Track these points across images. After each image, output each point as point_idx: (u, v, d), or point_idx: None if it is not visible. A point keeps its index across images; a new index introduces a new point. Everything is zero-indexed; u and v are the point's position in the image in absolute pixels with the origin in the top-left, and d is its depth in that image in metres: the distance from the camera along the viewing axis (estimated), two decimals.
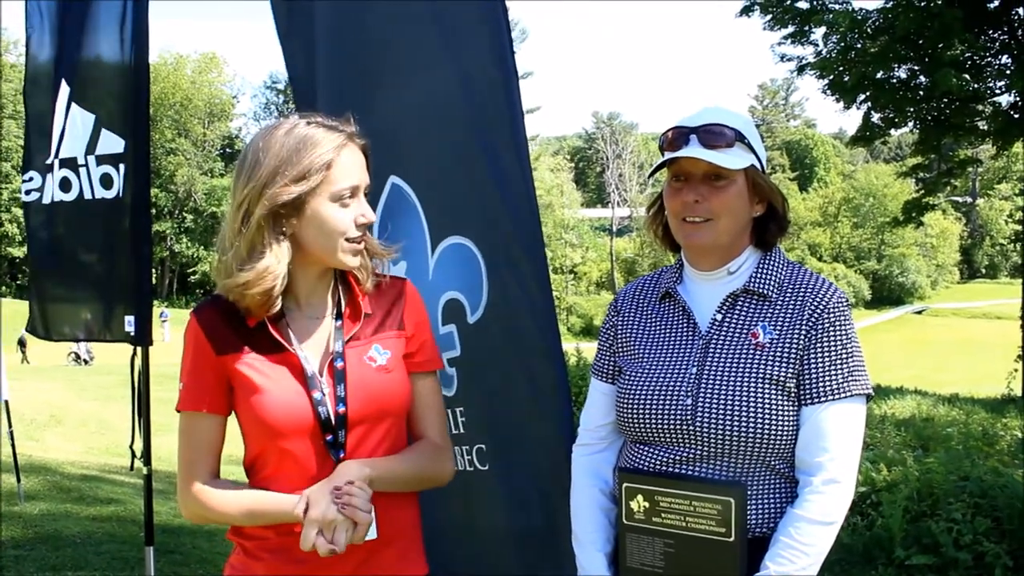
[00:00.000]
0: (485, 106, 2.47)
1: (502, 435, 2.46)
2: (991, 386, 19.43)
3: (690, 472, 1.89)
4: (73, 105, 4.15)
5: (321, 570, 1.82)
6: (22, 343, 25.91)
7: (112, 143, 4.02)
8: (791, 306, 1.91)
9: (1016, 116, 17.57)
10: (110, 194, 4.03)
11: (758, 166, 1.96)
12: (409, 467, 1.92)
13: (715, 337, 1.94)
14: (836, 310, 1.89)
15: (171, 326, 34.07)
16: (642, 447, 1.98)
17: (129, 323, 3.93)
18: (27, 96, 4.65)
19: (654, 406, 1.93)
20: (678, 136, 1.94)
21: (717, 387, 1.88)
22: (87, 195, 4.14)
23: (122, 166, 3.97)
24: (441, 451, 2.02)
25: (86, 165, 4.10)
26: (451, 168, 2.53)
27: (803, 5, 18.96)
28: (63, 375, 18.18)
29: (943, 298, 70.71)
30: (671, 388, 1.93)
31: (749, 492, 1.85)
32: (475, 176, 2.50)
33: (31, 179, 4.43)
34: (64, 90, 4.19)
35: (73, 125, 4.15)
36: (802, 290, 1.92)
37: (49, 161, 4.27)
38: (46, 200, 4.34)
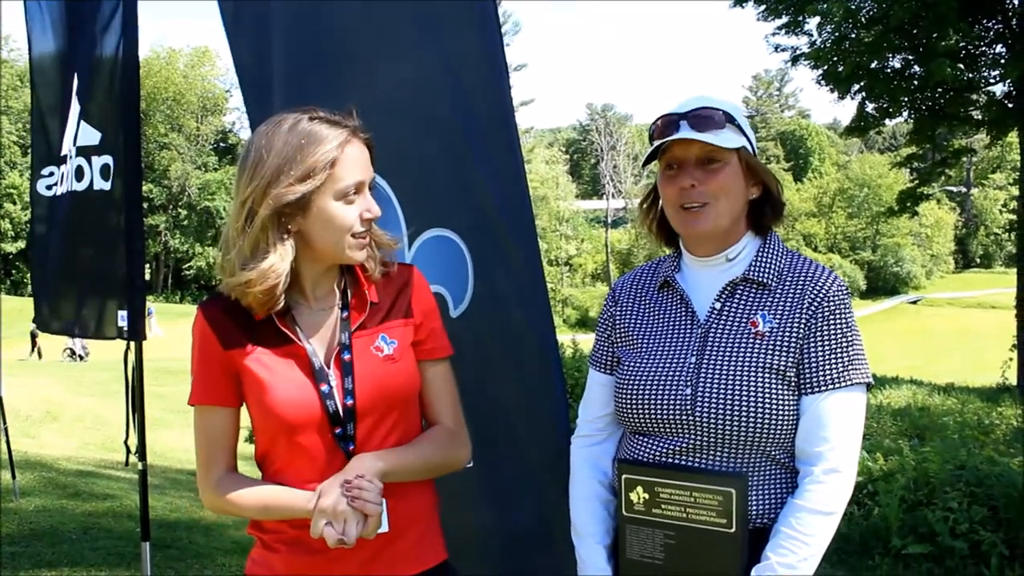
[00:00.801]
0: (472, 97, 2.44)
1: (489, 431, 2.42)
2: (986, 375, 19.47)
3: (690, 463, 1.88)
4: (76, 99, 4.15)
5: (336, 561, 1.84)
6: (34, 336, 25.91)
7: (88, 136, 4.02)
8: (791, 294, 1.90)
9: (1010, 105, 17.57)
10: (81, 186, 4.04)
11: (749, 149, 1.96)
12: (421, 456, 1.92)
13: (714, 325, 1.93)
14: (836, 299, 1.88)
15: (157, 320, 33.92)
16: (641, 438, 1.97)
17: (122, 318, 3.92)
18: (34, 91, 4.63)
19: (653, 395, 1.92)
20: (668, 124, 1.93)
21: (717, 376, 1.87)
22: (64, 188, 4.15)
23: (95, 159, 3.97)
24: (455, 436, 2.01)
25: (71, 157, 4.10)
26: (433, 160, 2.49)
27: None
28: (59, 371, 18.15)
29: (938, 288, 70.80)
30: (670, 377, 1.92)
31: (749, 483, 1.84)
32: (461, 168, 2.47)
33: (51, 174, 4.42)
34: (76, 85, 4.20)
35: (72, 119, 4.16)
36: (802, 278, 1.92)
37: (63, 154, 4.28)
38: (59, 193, 4.35)
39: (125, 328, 3.92)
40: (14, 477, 6.57)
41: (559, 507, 2.17)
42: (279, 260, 1.77)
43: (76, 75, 4.21)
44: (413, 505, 1.92)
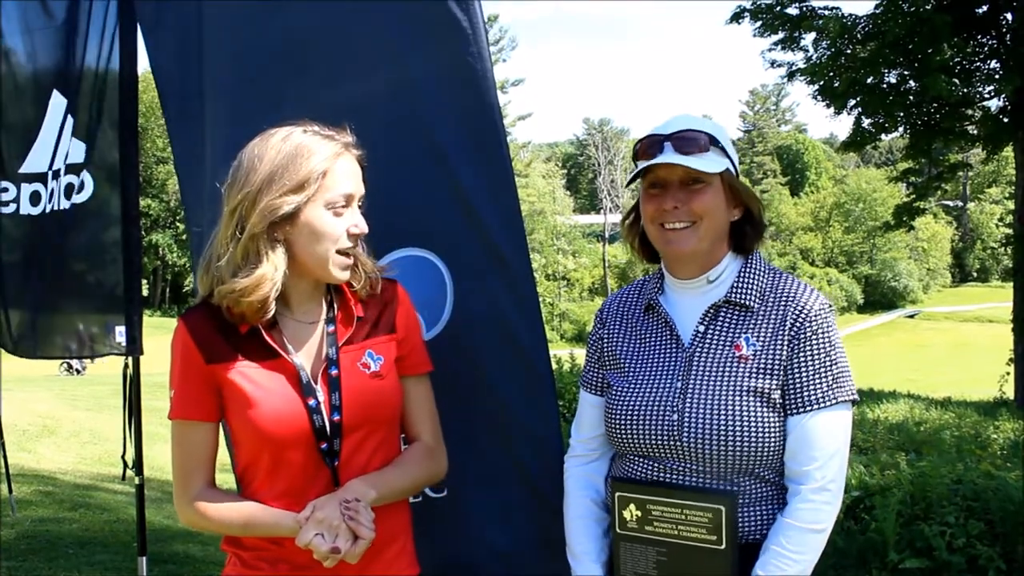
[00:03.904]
0: (453, 109, 2.36)
1: (464, 458, 2.30)
2: (983, 389, 19.47)
3: (681, 481, 1.90)
4: (68, 116, 4.11)
5: None
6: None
7: (77, 151, 4.01)
8: (773, 316, 1.91)
9: (1005, 120, 17.66)
10: (67, 204, 4.02)
11: (732, 171, 1.96)
12: (408, 478, 1.95)
13: (698, 350, 1.94)
14: (819, 318, 1.89)
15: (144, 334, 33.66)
16: (634, 457, 1.98)
17: (120, 333, 3.92)
18: (8, 105, 4.52)
19: (641, 423, 1.93)
20: (652, 144, 1.94)
21: (702, 402, 1.88)
22: (55, 206, 4.10)
23: (84, 173, 3.96)
24: (435, 452, 2.04)
25: (60, 175, 4.07)
26: (406, 175, 2.36)
27: (793, 11, 19.05)
28: (56, 385, 18.07)
29: (935, 302, 70.92)
30: (657, 402, 1.93)
31: (739, 501, 1.85)
32: (441, 183, 2.37)
33: (6, 189, 4.34)
34: (58, 101, 4.14)
35: (66, 136, 4.12)
36: (784, 299, 1.92)
37: (43, 171, 4.21)
38: (35, 212, 4.25)
39: (123, 344, 3.92)
40: (11, 491, 6.55)
41: (555, 524, 2.16)
42: (272, 269, 1.77)
43: (59, 91, 4.15)
44: (393, 522, 1.93)
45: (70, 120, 4.11)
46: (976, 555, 5.13)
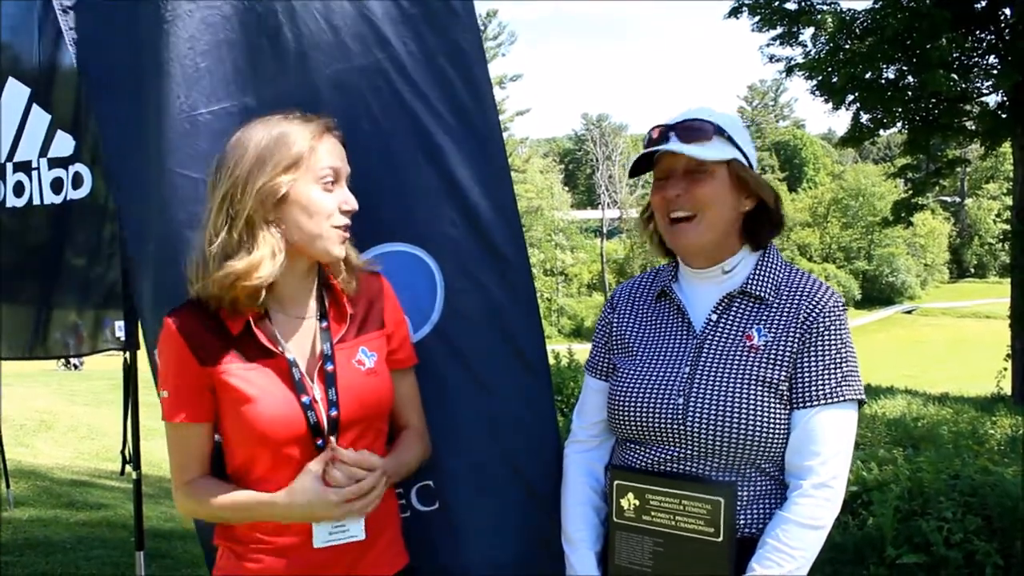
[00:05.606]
0: (446, 101, 2.30)
1: (458, 462, 2.28)
2: (981, 385, 19.49)
3: (681, 471, 1.90)
4: (34, 107, 4.06)
5: (320, 566, 1.85)
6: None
7: (64, 145, 3.98)
8: (787, 309, 1.92)
9: (1004, 116, 17.65)
10: (56, 199, 3.98)
11: (744, 161, 1.96)
12: (410, 456, 2.04)
13: (709, 337, 1.95)
14: (832, 314, 1.90)
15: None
16: (634, 445, 1.99)
17: (119, 328, 3.92)
18: None
19: (645, 404, 1.94)
20: (659, 135, 1.96)
21: (709, 387, 1.88)
22: (35, 201, 4.06)
23: (71, 168, 3.93)
24: (424, 436, 2.12)
25: (38, 168, 4.03)
26: (390, 169, 2.27)
27: (791, 6, 19.06)
28: (53, 380, 18.06)
29: (933, 297, 70.90)
30: (663, 387, 1.93)
31: (739, 494, 1.85)
32: (431, 178, 2.29)
33: None
34: (17, 89, 4.08)
35: (30, 127, 4.07)
36: (798, 293, 1.93)
37: None
38: None
39: (123, 339, 3.91)
40: (8, 486, 6.54)
41: (553, 526, 2.16)
42: (270, 252, 1.77)
43: (13, 78, 4.09)
44: (385, 511, 1.95)
45: (39, 111, 4.05)
46: (973, 550, 5.14)
